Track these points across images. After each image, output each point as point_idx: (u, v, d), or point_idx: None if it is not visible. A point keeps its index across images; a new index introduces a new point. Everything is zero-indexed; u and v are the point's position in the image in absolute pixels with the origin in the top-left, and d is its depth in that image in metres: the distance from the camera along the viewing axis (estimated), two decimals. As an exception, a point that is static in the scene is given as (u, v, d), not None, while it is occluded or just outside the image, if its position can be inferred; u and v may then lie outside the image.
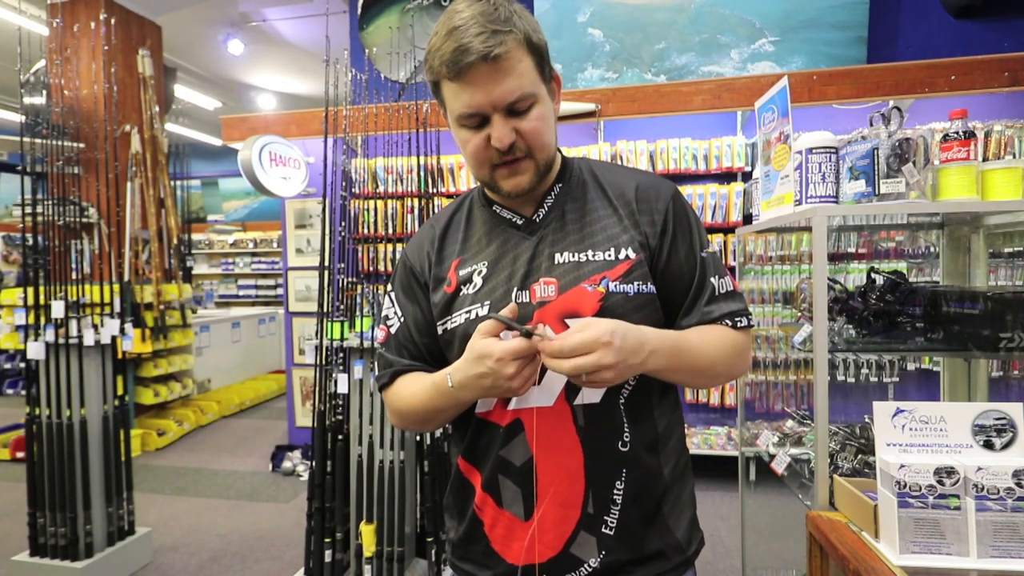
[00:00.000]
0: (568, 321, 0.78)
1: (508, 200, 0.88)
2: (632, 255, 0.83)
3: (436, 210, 2.61)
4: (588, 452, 0.80)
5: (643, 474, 0.82)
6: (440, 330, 0.87)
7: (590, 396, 0.81)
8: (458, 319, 0.84)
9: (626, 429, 0.82)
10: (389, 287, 0.97)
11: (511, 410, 0.82)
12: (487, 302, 0.83)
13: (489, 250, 0.87)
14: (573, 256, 0.83)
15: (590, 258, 0.83)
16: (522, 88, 0.76)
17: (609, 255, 0.83)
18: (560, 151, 0.94)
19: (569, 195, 0.88)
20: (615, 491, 0.81)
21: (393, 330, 0.93)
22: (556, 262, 0.83)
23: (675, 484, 0.87)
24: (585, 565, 0.81)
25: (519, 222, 0.88)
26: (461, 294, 0.86)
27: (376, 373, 0.96)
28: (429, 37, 0.80)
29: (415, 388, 0.86)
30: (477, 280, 0.85)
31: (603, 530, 0.81)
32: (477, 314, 0.83)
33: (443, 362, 0.89)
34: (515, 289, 0.82)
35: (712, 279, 0.86)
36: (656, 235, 0.85)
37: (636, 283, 0.82)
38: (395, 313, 0.93)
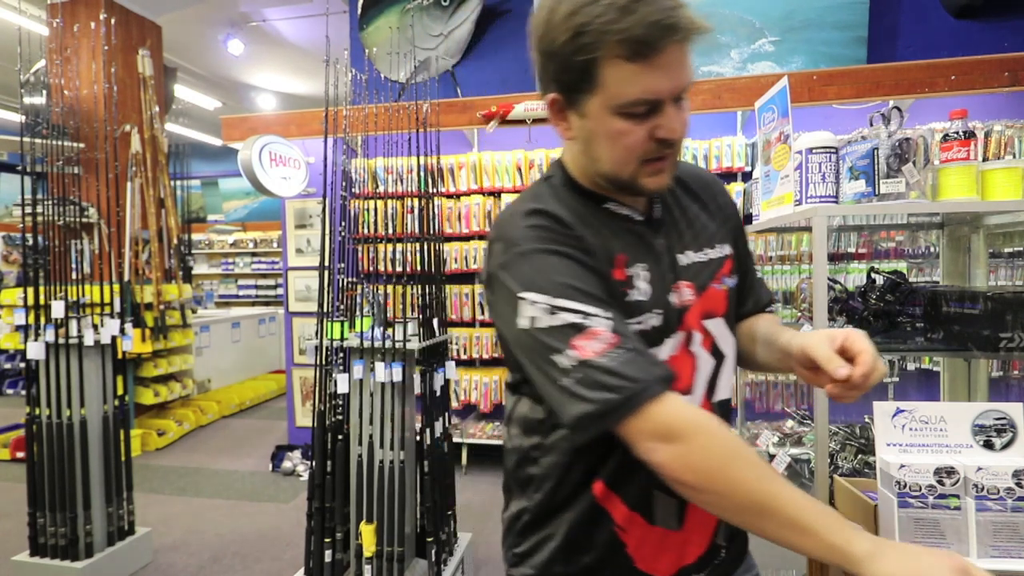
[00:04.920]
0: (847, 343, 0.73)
1: (619, 195, 0.79)
2: (730, 250, 0.86)
3: (436, 210, 2.62)
4: None
5: None
6: None
7: (723, 392, 0.83)
8: (631, 328, 0.73)
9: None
10: (539, 298, 0.67)
11: None
12: (658, 310, 0.75)
13: (637, 249, 0.77)
14: (696, 255, 0.81)
15: (710, 257, 0.83)
16: (692, 73, 0.69)
17: (717, 252, 0.84)
18: None
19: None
20: None
21: (609, 327, 0.65)
22: (682, 263, 0.80)
23: None
24: (722, 549, 0.84)
25: (640, 219, 0.79)
26: (632, 299, 0.74)
27: (619, 382, 0.63)
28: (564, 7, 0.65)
29: (766, 472, 0.61)
30: (643, 285, 0.75)
31: None
32: (652, 325, 0.74)
33: None
34: (669, 294, 0.76)
35: (755, 267, 0.93)
36: (734, 228, 0.89)
37: (735, 276, 0.86)
38: (592, 311, 0.66)
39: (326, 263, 2.35)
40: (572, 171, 0.81)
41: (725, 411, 0.84)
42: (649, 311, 0.75)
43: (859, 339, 0.72)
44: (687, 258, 0.80)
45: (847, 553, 0.57)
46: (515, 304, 0.69)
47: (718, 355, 0.82)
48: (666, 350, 0.77)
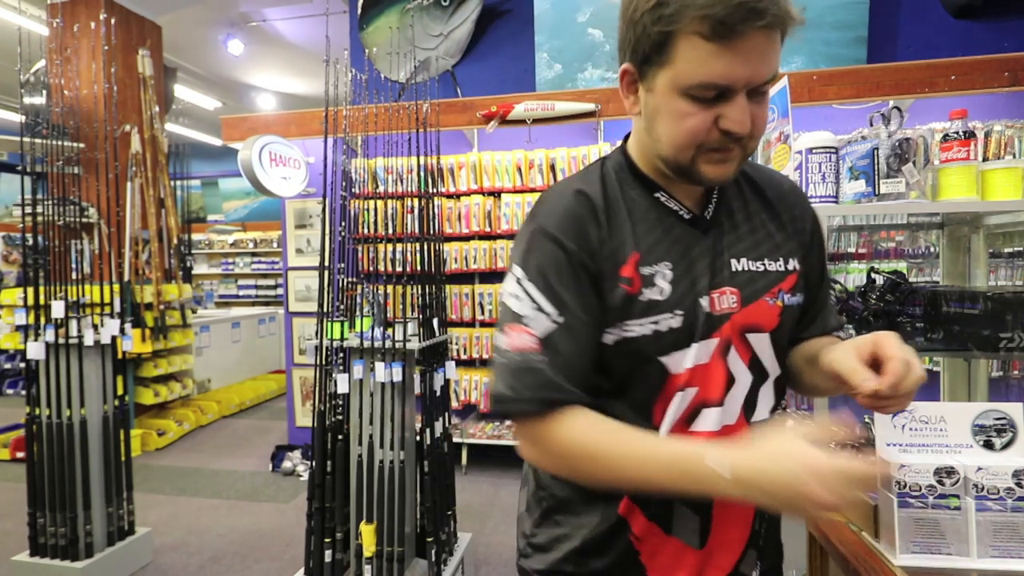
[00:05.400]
0: (889, 350, 0.66)
1: (675, 188, 0.77)
2: (797, 266, 0.80)
3: (436, 210, 2.62)
4: None
5: None
6: (613, 337, 0.72)
7: (763, 412, 0.78)
8: (640, 328, 0.72)
9: None
10: (521, 274, 0.73)
11: (701, 432, 0.75)
12: (678, 312, 0.72)
13: (665, 247, 0.74)
14: (751, 264, 0.77)
15: (768, 268, 0.77)
16: (775, 67, 0.64)
17: (780, 266, 0.79)
18: None
19: (729, 190, 0.80)
20: None
21: (545, 333, 0.70)
22: (734, 269, 0.76)
23: None
24: None
25: (687, 216, 0.77)
26: (645, 299, 0.72)
27: (504, 388, 0.70)
28: None
29: (627, 449, 0.66)
30: (663, 284, 0.73)
31: (760, 542, 0.80)
32: (670, 327, 0.72)
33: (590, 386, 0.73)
34: (699, 297, 0.73)
35: (829, 291, 0.87)
36: (806, 244, 0.83)
37: (799, 294, 0.81)
38: (547, 309, 0.70)
39: (326, 263, 2.35)
40: (633, 153, 0.80)
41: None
42: (667, 312, 0.72)
43: (887, 343, 0.65)
44: (740, 264, 0.76)
45: (719, 494, 0.63)
46: (509, 271, 0.76)
47: (759, 372, 0.77)
48: (691, 355, 0.73)
